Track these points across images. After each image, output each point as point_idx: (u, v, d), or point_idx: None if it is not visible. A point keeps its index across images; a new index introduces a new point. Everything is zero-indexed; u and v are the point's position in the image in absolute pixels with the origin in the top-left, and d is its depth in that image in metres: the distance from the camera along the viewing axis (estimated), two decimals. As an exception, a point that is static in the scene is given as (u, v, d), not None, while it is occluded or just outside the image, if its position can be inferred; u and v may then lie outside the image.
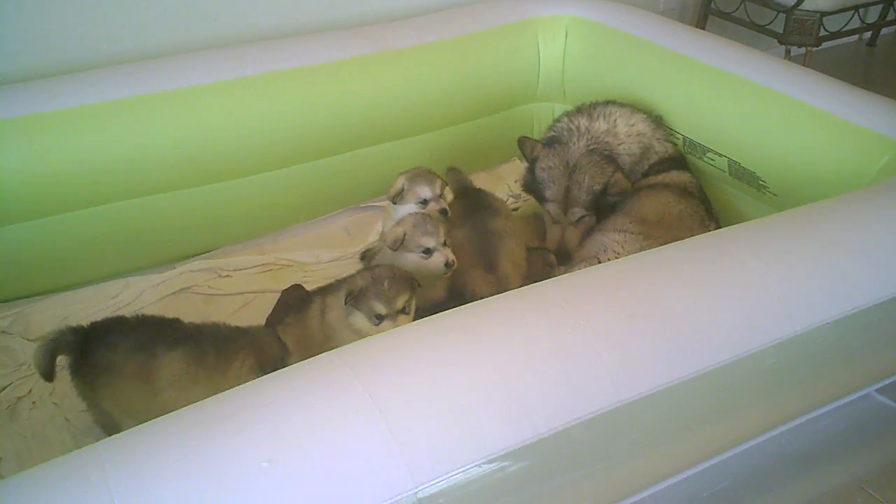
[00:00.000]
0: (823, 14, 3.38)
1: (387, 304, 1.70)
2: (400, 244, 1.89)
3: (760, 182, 2.20)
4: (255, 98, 2.28)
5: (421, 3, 2.83)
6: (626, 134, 2.32)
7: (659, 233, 2.08)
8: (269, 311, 2.12)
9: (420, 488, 1.11)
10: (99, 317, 2.12)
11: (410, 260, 1.89)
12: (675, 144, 2.42)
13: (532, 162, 2.35)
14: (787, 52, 3.55)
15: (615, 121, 2.33)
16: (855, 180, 1.96)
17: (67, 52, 2.37)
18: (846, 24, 3.59)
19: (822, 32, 3.43)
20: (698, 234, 2.10)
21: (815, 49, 3.50)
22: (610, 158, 2.27)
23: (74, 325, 1.73)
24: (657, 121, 2.40)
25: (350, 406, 1.15)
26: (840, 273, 1.54)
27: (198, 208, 2.34)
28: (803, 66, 2.56)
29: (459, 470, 1.14)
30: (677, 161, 2.38)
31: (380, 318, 1.72)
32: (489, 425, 1.18)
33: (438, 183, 2.07)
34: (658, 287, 1.44)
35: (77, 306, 2.19)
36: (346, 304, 1.74)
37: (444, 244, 1.91)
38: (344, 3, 2.74)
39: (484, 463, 1.16)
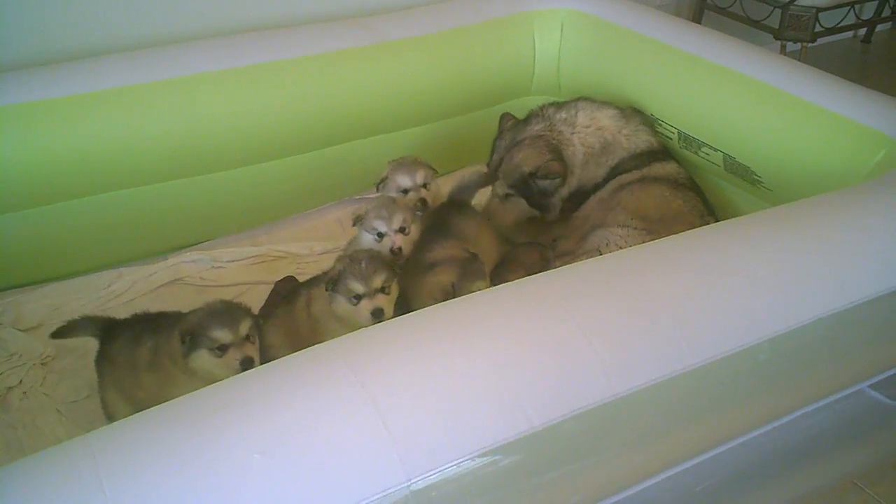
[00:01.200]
0: (819, 10, 3.38)
1: (364, 282, 1.68)
2: (359, 222, 1.92)
3: (755, 177, 2.20)
4: (250, 88, 2.27)
5: (417, -5, 2.82)
6: (584, 125, 2.34)
7: (661, 229, 2.08)
8: (262, 303, 2.12)
9: (413, 481, 1.11)
10: (91, 307, 2.15)
11: (366, 240, 1.92)
12: (663, 137, 2.42)
13: (499, 134, 2.44)
14: (783, 47, 3.55)
15: (577, 112, 2.36)
16: (850, 176, 1.96)
17: (61, 41, 2.36)
18: (842, 20, 3.60)
19: (818, 28, 3.43)
20: None
21: (810, 45, 3.50)
22: (555, 149, 2.28)
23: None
24: (631, 116, 2.39)
25: (343, 398, 1.15)
26: (834, 268, 1.54)
27: (191, 199, 2.34)
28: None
29: (453, 463, 1.14)
30: (656, 154, 2.36)
31: (358, 298, 1.69)
32: (483, 418, 1.18)
33: (421, 173, 2.06)
34: (652, 281, 1.43)
35: (69, 296, 2.18)
36: (326, 290, 1.73)
37: (402, 231, 1.90)
38: (339, -7, 2.73)
39: (478, 456, 1.16)
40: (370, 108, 2.47)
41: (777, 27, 3.44)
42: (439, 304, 1.38)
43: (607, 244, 2.05)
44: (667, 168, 2.32)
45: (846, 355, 1.68)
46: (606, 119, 2.36)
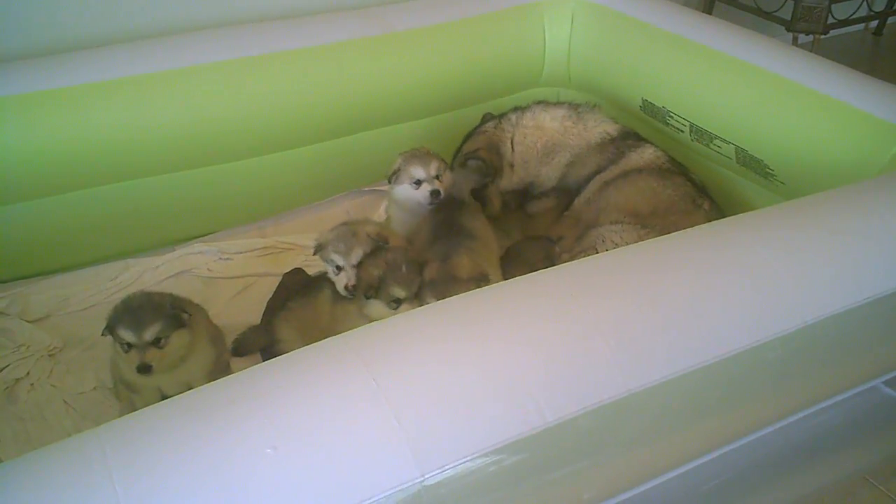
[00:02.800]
0: (832, 1, 3.35)
1: (407, 287, 1.71)
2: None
3: (768, 170, 2.18)
4: (258, 79, 2.25)
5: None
6: (525, 125, 2.42)
7: (654, 221, 2.09)
8: (270, 295, 2.11)
9: (426, 476, 1.10)
10: (98, 299, 2.14)
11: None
12: (673, 129, 2.41)
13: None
14: (795, 39, 3.52)
15: (524, 113, 2.45)
16: (865, 169, 1.94)
17: (67, 31, 2.34)
18: (854, 13, 3.57)
19: (830, 20, 3.40)
20: (695, 216, 2.12)
21: (822, 37, 3.47)
22: (492, 145, 2.39)
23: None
24: (585, 112, 2.42)
25: (355, 393, 1.13)
26: (849, 263, 1.52)
27: (198, 190, 2.32)
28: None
29: (466, 458, 1.13)
30: (623, 142, 2.35)
31: (398, 303, 1.72)
32: (496, 414, 1.17)
33: (434, 164, 2.08)
34: (666, 276, 1.42)
35: (76, 288, 2.17)
36: (366, 297, 1.73)
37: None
38: (348, -17, 2.71)
39: (491, 452, 1.15)
40: (379, 98, 2.45)
41: (789, 19, 3.41)
42: (452, 298, 1.37)
43: (602, 241, 2.06)
44: (645, 156, 2.30)
45: (860, 352, 1.67)
46: (550, 120, 2.41)
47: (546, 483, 1.28)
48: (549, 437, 1.20)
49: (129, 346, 1.58)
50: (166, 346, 1.60)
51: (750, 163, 2.23)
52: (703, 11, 3.69)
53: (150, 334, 1.57)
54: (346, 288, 1.81)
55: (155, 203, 2.27)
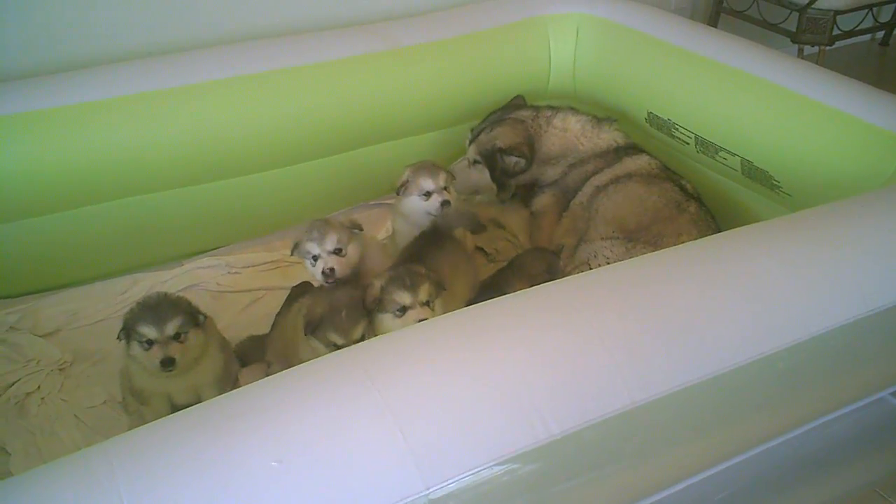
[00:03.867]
0: (837, 13, 3.35)
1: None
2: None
3: (773, 182, 2.18)
4: (265, 95, 2.27)
5: (431, 0, 2.82)
6: (553, 125, 2.51)
7: (640, 235, 2.13)
8: (278, 309, 2.11)
9: (431, 490, 1.10)
10: (107, 313, 2.16)
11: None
12: (680, 142, 2.43)
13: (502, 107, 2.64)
14: (800, 50, 3.52)
15: (557, 113, 2.53)
16: (870, 181, 1.94)
17: (73, 49, 2.37)
18: (860, 24, 3.57)
19: (836, 31, 3.40)
20: (679, 221, 2.15)
21: (827, 48, 3.47)
22: (530, 137, 2.47)
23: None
24: (603, 121, 2.50)
25: (361, 407, 1.14)
26: (855, 275, 1.52)
27: (207, 205, 2.34)
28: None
29: (471, 472, 1.13)
30: (624, 150, 2.43)
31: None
32: (501, 426, 1.17)
33: (442, 175, 2.10)
34: (671, 288, 1.42)
35: (86, 302, 2.19)
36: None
37: (338, 252, 1.80)
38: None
39: (496, 464, 1.15)
40: (385, 113, 2.47)
41: (794, 30, 3.41)
42: (456, 311, 1.37)
43: (595, 256, 2.10)
44: (638, 162, 2.37)
45: (867, 363, 1.66)
46: (575, 123, 2.51)
47: (551, 496, 1.28)
48: (555, 449, 1.20)
49: (150, 343, 1.60)
50: (186, 342, 1.63)
51: (755, 174, 2.23)
52: (709, 24, 3.71)
53: (171, 328, 1.61)
54: (323, 273, 1.77)
55: (163, 218, 2.29)
